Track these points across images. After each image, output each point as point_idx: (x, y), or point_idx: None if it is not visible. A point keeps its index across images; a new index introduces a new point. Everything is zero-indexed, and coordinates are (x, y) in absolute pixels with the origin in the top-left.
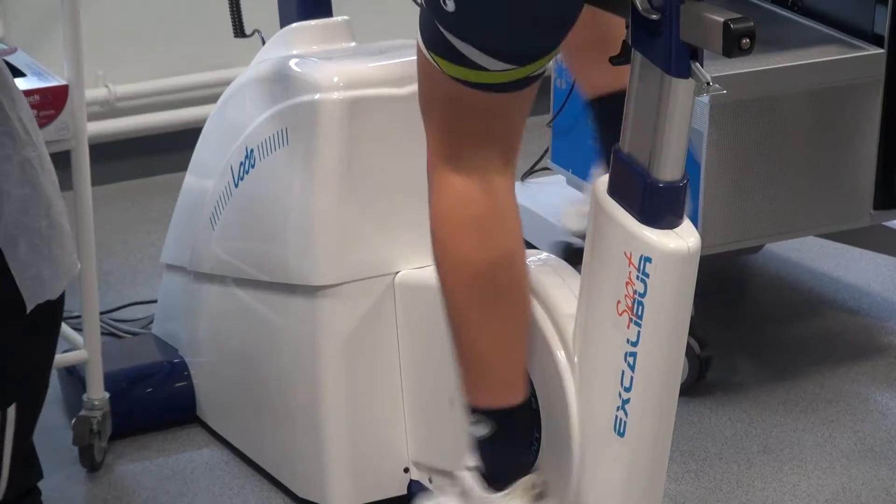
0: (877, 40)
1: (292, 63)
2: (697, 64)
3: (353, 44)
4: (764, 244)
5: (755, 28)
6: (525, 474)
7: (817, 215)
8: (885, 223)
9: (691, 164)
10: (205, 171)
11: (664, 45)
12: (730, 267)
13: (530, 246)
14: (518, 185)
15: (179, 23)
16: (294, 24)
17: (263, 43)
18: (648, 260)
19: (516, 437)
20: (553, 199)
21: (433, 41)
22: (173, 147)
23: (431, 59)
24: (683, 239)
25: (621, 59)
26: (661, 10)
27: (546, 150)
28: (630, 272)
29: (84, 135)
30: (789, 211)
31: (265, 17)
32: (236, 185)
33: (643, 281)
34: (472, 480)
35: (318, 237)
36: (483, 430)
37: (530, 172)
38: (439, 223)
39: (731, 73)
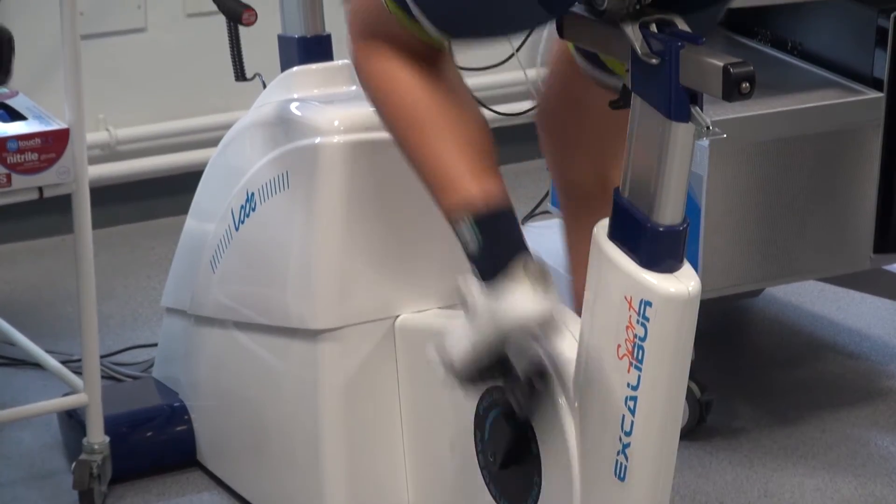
0: (876, 84)
1: (293, 107)
2: (697, 108)
3: (353, 88)
4: (764, 288)
5: (755, 72)
6: (522, 256)
7: (817, 259)
8: (884, 267)
9: (691, 207)
10: (206, 215)
11: (664, 90)
12: (730, 311)
13: None
14: None
15: (180, 66)
16: (295, 68)
17: (264, 86)
18: (649, 304)
19: (498, 225)
20: (554, 243)
21: None
22: (174, 190)
23: None
24: (684, 283)
25: (621, 103)
26: (660, 54)
27: (546, 194)
28: (630, 316)
29: (85, 178)
30: (789, 255)
31: (266, 61)
32: (237, 229)
33: (643, 325)
34: (467, 284)
35: (318, 281)
36: (466, 231)
37: (531, 216)
38: (369, 77)
39: (731, 116)
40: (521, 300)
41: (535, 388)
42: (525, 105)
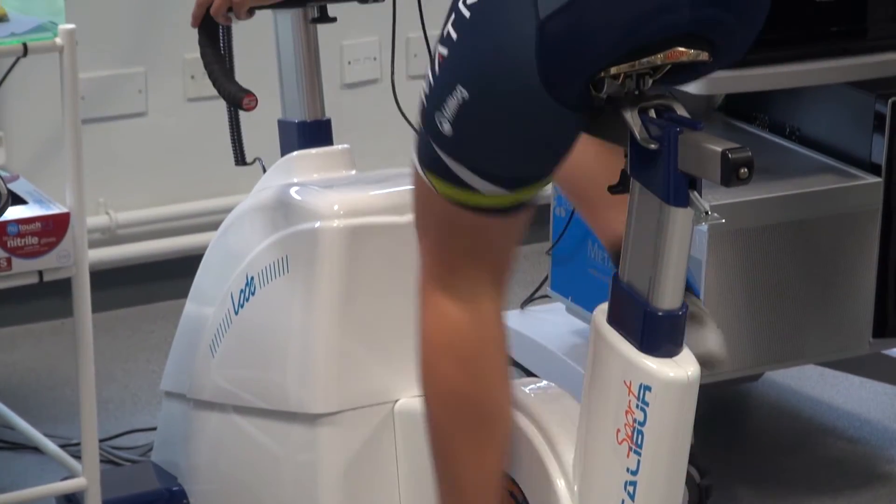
0: (874, 169)
1: (293, 191)
2: (696, 193)
3: (353, 172)
4: (763, 372)
5: (753, 157)
6: None
7: (816, 343)
8: (884, 352)
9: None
10: (205, 299)
11: (662, 175)
12: (730, 395)
13: (529, 374)
14: (517, 312)
15: (180, 150)
16: (295, 153)
17: (264, 171)
18: (648, 388)
19: None
20: (553, 327)
21: (427, 159)
22: (174, 274)
23: (425, 178)
24: (683, 367)
25: (620, 187)
26: (659, 139)
27: (546, 278)
28: (630, 401)
29: (85, 262)
30: (788, 339)
31: (266, 146)
32: (236, 313)
33: (643, 409)
34: None
35: (317, 365)
36: None
37: (530, 300)
38: (427, 346)
39: (730, 201)
40: None
41: None
42: None
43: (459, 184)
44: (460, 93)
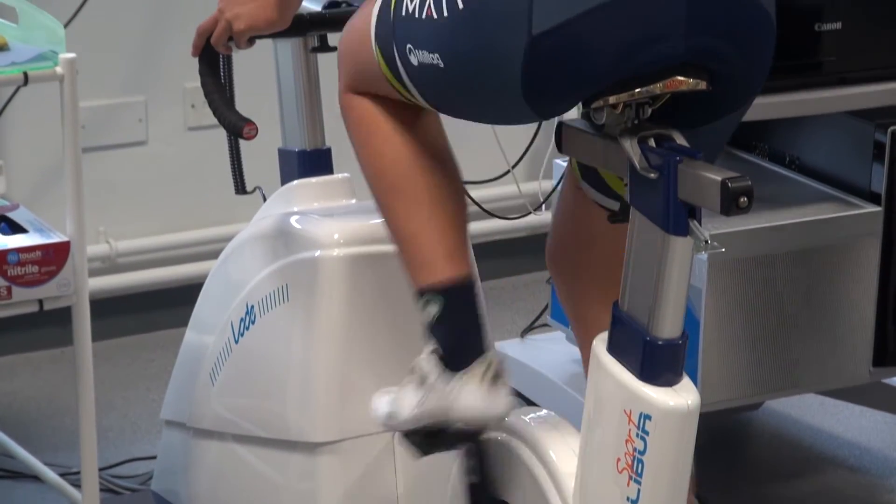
0: (874, 198)
1: (293, 220)
2: (696, 222)
3: (353, 201)
4: (764, 401)
5: (752, 186)
6: (480, 355)
7: (817, 372)
8: (884, 380)
9: (690, 320)
10: (205, 327)
11: (662, 204)
12: (730, 424)
13: (529, 402)
14: (517, 341)
15: (181, 179)
16: (295, 182)
17: (264, 200)
18: (648, 417)
19: (466, 313)
20: (553, 355)
21: (385, 46)
22: (174, 303)
23: (373, 47)
24: (683, 396)
25: (620, 217)
26: (658, 168)
27: (545, 307)
28: (630, 430)
29: (85, 291)
30: (789, 368)
31: (266, 174)
32: (236, 342)
33: (643, 438)
34: (429, 364)
35: (317, 393)
36: (433, 310)
37: (530, 329)
38: (355, 126)
39: (730, 230)
40: (475, 399)
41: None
42: (519, 219)
43: (400, 80)
44: (437, 59)
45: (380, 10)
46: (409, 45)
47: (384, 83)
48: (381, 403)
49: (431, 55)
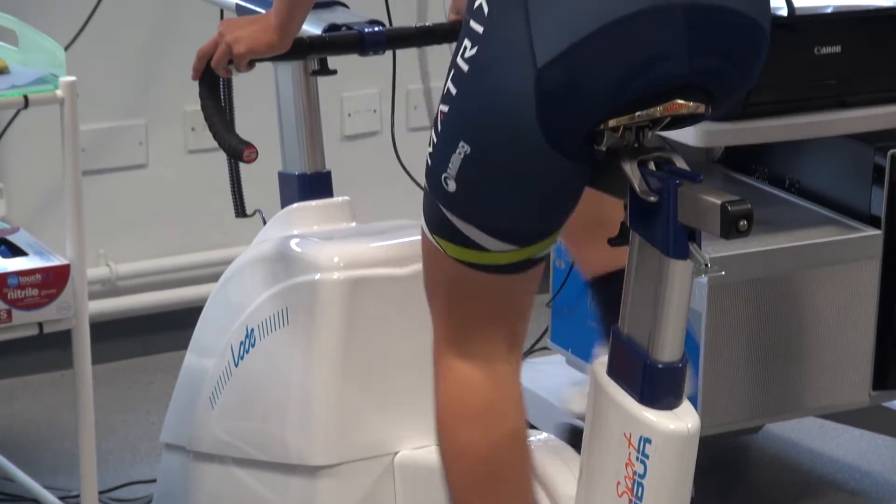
0: (873, 221)
1: (293, 243)
2: (696, 245)
3: (353, 224)
4: (763, 424)
5: (752, 210)
6: None
7: (817, 396)
8: (884, 404)
9: (690, 344)
10: (205, 351)
11: (662, 227)
12: (730, 447)
13: (530, 426)
14: None
15: (181, 202)
16: (295, 205)
17: (264, 223)
18: (648, 441)
19: None
20: (553, 379)
21: (435, 223)
22: (174, 326)
23: (434, 242)
24: (683, 420)
25: (620, 240)
26: (659, 192)
27: (545, 330)
28: (630, 453)
29: (85, 314)
30: (789, 391)
31: (266, 198)
32: (236, 365)
33: (643, 462)
34: None
35: (317, 417)
36: None
37: (530, 352)
38: (443, 411)
39: (730, 253)
40: None
41: None
42: None
43: (468, 244)
44: (462, 148)
45: (424, 208)
46: (441, 174)
47: (456, 267)
48: None
49: (456, 151)
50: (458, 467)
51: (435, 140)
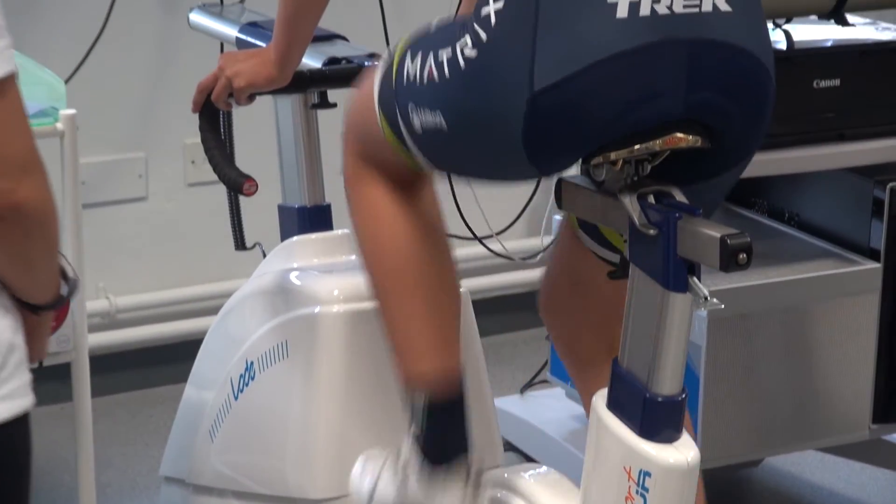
0: (873, 255)
1: (293, 276)
2: (695, 278)
3: (353, 257)
4: (763, 458)
5: (751, 243)
6: (464, 452)
7: (817, 429)
8: (884, 437)
9: (690, 377)
10: (205, 383)
11: (661, 260)
12: (730, 481)
13: (529, 459)
14: (517, 397)
15: (180, 235)
16: (295, 238)
17: (264, 256)
18: (648, 474)
19: (451, 408)
20: (552, 412)
21: (388, 113)
22: (174, 359)
23: (377, 116)
24: (682, 453)
25: (619, 273)
26: (658, 225)
27: (545, 363)
28: (629, 486)
29: (84, 347)
30: (788, 424)
31: (266, 230)
32: (236, 398)
33: (643, 495)
34: (411, 450)
35: (317, 450)
36: (419, 402)
37: (529, 385)
38: (356, 204)
39: (729, 287)
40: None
41: None
42: (519, 274)
43: (407, 150)
44: (439, 118)
45: (381, 81)
46: (410, 108)
47: (387, 150)
48: (363, 481)
49: (434, 115)
50: (375, 268)
51: (418, 79)
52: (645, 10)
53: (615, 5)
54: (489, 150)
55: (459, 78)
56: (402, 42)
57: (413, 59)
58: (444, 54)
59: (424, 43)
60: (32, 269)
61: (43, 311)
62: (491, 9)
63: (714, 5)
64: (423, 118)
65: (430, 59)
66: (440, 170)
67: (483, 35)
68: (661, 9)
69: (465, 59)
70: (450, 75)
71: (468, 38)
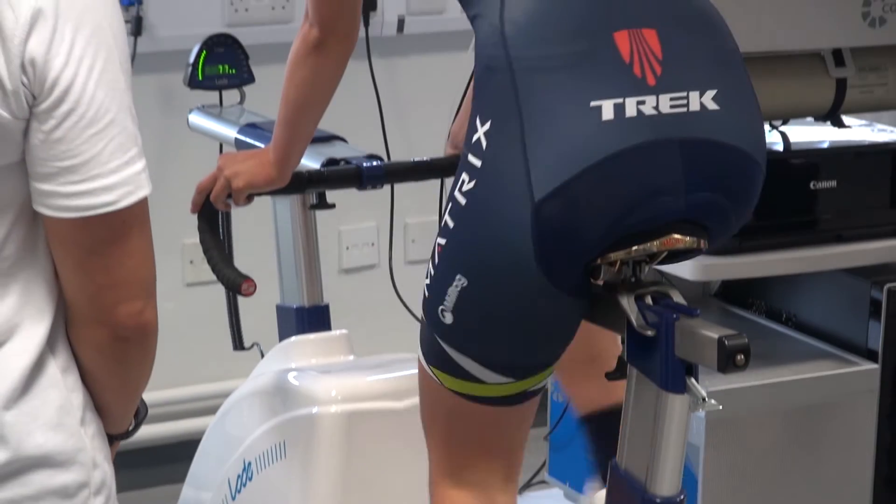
0: (871, 355)
1: (290, 376)
2: (693, 379)
3: (351, 357)
4: None
5: (749, 344)
6: None
7: None
8: None
9: (688, 478)
10: (203, 484)
11: (659, 361)
12: None
13: None
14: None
15: (179, 335)
16: (293, 338)
17: (262, 356)
18: None
19: None
20: None
21: (432, 354)
22: (172, 459)
23: (431, 373)
24: None
25: (617, 374)
26: (656, 326)
27: (543, 464)
28: None
29: None
30: None
31: (264, 330)
32: (234, 498)
33: None
34: None
35: None
36: None
37: (527, 485)
38: None
39: (727, 388)
40: None
41: None
42: None
43: (465, 376)
44: (459, 281)
45: (420, 340)
46: (438, 307)
47: (453, 399)
48: None
49: (453, 283)
50: None
51: (432, 272)
52: (631, 111)
53: (599, 109)
54: (508, 281)
55: (464, 219)
56: None
57: (427, 271)
58: (446, 214)
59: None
60: (134, 396)
61: (119, 440)
62: (480, 133)
63: (702, 104)
64: (448, 299)
65: (436, 238)
66: (482, 357)
67: (477, 162)
68: (648, 109)
69: (465, 195)
70: (455, 224)
71: (465, 174)
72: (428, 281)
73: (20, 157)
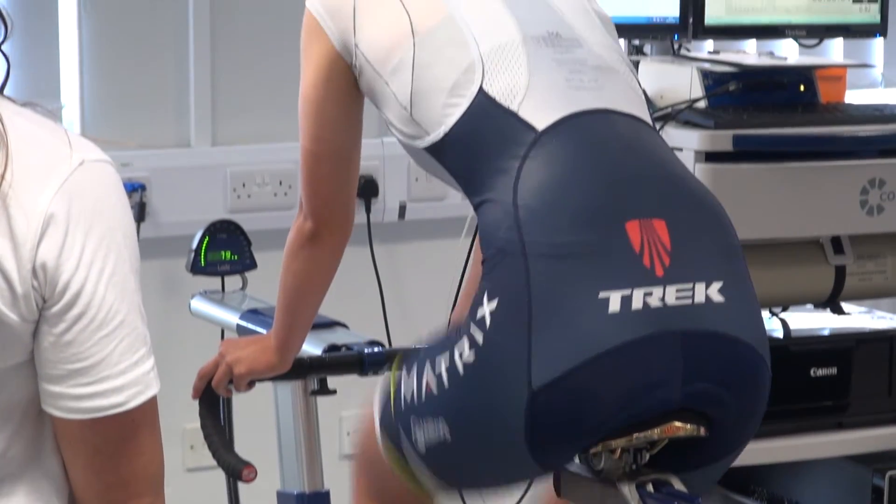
0: None
1: None
2: None
3: None
4: None
5: None
6: None
7: None
8: None
9: None
10: None
11: None
12: None
13: None
14: None
15: (177, 479)
16: None
17: None
18: None
19: None
20: None
21: (391, 434)
22: None
23: (378, 433)
24: None
25: None
26: None
27: None
28: None
29: None
30: None
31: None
32: None
33: None
34: None
35: None
36: None
37: None
38: None
39: None
40: None
41: None
42: None
43: (412, 475)
44: (442, 430)
45: (382, 410)
46: (413, 422)
47: (394, 483)
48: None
49: (436, 425)
50: None
51: (416, 398)
52: (637, 303)
53: (607, 300)
54: (492, 453)
55: (459, 386)
56: (394, 365)
57: (409, 375)
58: (442, 363)
59: (418, 356)
60: None
61: None
62: (486, 310)
63: (707, 296)
64: (426, 432)
65: (427, 371)
66: (447, 485)
67: (480, 338)
68: (654, 301)
69: (463, 364)
70: (449, 384)
71: (465, 343)
72: (412, 392)
73: (28, 357)
